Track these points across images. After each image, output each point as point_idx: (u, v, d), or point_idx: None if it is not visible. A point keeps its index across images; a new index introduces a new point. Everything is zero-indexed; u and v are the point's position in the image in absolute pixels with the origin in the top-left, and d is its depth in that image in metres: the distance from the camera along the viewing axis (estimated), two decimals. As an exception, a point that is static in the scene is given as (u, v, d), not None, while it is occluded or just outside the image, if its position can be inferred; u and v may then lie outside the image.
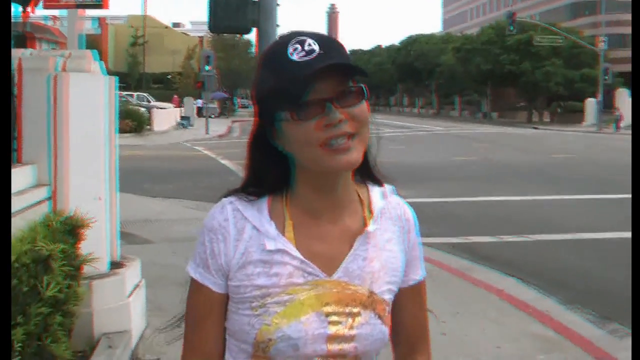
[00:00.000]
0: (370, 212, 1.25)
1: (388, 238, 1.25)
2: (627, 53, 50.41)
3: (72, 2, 13.94)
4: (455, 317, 5.04)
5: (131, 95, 40.71)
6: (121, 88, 54.81)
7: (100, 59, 4.47)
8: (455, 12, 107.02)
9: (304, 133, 1.13)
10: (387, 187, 1.31)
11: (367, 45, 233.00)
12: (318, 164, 1.15)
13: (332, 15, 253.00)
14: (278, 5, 7.49)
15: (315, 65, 1.11)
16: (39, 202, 3.95)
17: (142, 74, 55.78)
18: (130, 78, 58.64)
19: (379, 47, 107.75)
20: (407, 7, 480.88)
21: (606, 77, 41.84)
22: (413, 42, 77.10)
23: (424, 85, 80.00)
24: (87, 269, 3.70)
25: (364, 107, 1.17)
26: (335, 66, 1.11)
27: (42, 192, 4.04)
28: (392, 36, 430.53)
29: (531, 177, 14.29)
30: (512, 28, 43.32)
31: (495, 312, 5.21)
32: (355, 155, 1.15)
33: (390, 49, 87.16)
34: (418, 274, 1.31)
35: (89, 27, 59.81)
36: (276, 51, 1.15)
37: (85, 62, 4.19)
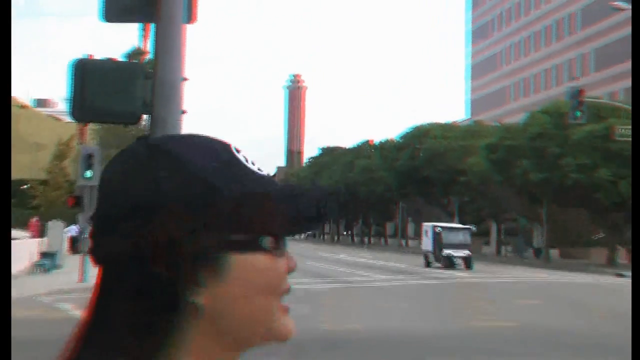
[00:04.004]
0: None
1: None
2: None
3: None
4: None
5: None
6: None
7: None
8: (488, 87, 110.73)
9: (275, 275, 1.27)
10: None
11: (348, 141, 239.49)
12: (267, 326, 1.26)
13: (295, 92, 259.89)
14: (184, 80, 7.71)
15: (294, 186, 1.28)
16: None
17: (-17, 182, 55.94)
18: (-39, 189, 58.65)
19: (367, 143, 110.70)
20: (413, 83, 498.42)
21: None
22: (422, 136, 79.11)
23: (439, 205, 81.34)
24: None
25: None
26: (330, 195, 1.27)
27: None
28: (388, 126, 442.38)
29: (601, 357, 14.34)
30: (578, 113, 44.02)
31: None
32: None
33: (386, 146, 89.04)
34: None
35: None
36: (223, 149, 1.30)
37: None
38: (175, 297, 1.23)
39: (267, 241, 1.25)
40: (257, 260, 1.24)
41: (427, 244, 57.30)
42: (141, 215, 1.23)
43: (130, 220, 1.23)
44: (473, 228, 63.07)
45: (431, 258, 55.87)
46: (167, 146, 1.27)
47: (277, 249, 1.26)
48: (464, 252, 53.97)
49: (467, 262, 53.13)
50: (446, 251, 54.13)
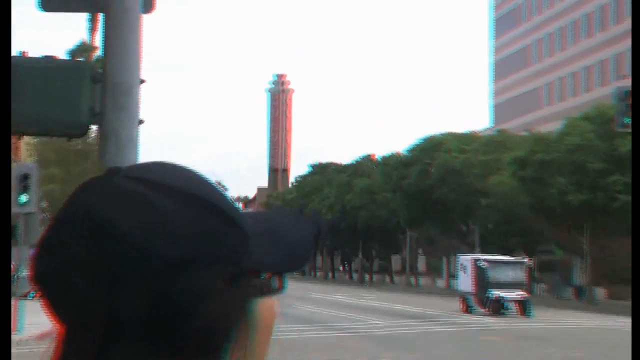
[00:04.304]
0: None
1: None
2: None
3: None
4: None
5: None
6: None
7: None
8: (516, 89, 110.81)
9: (276, 318, 1.37)
10: None
11: (345, 155, 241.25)
12: None
13: (279, 96, 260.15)
14: (142, 82, 7.67)
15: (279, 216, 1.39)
16: None
17: None
18: None
19: (368, 158, 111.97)
20: (424, 85, 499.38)
21: None
22: (434, 149, 79.22)
23: (457, 234, 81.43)
24: None
25: None
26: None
27: None
28: (393, 138, 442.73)
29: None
30: (627, 120, 43.93)
31: None
32: None
33: (391, 162, 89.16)
34: None
35: None
36: (209, 180, 1.34)
37: None
38: None
39: (276, 281, 1.33)
40: (270, 304, 1.33)
41: (465, 283, 55.19)
42: (160, 265, 1.22)
43: (143, 274, 1.22)
44: (527, 262, 60.86)
45: (472, 301, 53.95)
46: (158, 177, 1.28)
47: (282, 289, 1.34)
48: (518, 294, 51.91)
49: (523, 307, 51.10)
50: (494, 292, 51.86)
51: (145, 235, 1.24)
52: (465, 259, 57.20)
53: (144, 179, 1.28)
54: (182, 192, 1.27)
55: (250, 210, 1.43)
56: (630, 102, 43.31)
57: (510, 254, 75.99)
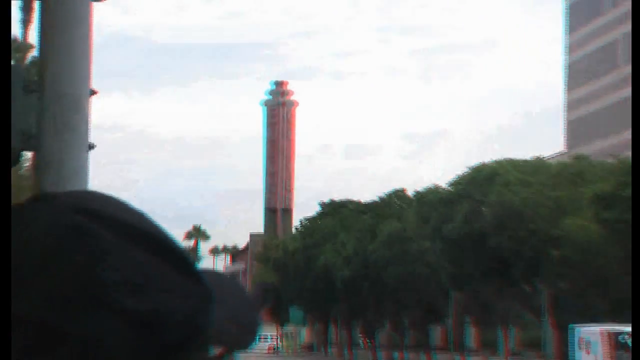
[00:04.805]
0: None
1: None
2: None
3: None
4: None
5: None
6: None
7: None
8: (598, 101, 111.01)
9: None
10: None
11: (366, 191, 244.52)
12: None
13: (278, 111, 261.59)
14: (93, 94, 7.67)
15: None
16: None
17: None
18: None
19: (397, 194, 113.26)
20: (470, 95, 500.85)
21: None
22: (486, 181, 79.60)
23: (519, 296, 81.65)
24: None
25: None
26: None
27: None
28: (430, 167, 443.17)
29: None
30: None
31: None
32: None
33: (428, 199, 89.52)
34: None
35: None
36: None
37: None
38: None
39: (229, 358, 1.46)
40: None
41: None
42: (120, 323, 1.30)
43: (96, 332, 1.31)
44: None
45: None
46: (102, 210, 1.33)
47: None
48: None
49: None
50: None
51: (99, 286, 1.29)
52: (591, 332, 56.47)
53: (92, 212, 1.32)
54: (140, 234, 1.31)
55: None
56: None
57: (591, 318, 76.06)
